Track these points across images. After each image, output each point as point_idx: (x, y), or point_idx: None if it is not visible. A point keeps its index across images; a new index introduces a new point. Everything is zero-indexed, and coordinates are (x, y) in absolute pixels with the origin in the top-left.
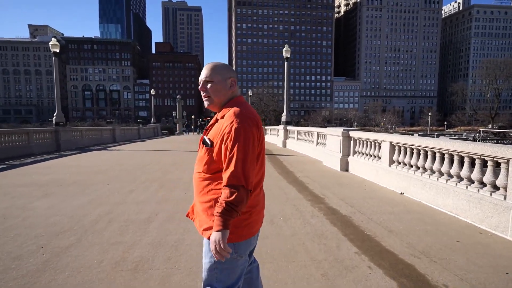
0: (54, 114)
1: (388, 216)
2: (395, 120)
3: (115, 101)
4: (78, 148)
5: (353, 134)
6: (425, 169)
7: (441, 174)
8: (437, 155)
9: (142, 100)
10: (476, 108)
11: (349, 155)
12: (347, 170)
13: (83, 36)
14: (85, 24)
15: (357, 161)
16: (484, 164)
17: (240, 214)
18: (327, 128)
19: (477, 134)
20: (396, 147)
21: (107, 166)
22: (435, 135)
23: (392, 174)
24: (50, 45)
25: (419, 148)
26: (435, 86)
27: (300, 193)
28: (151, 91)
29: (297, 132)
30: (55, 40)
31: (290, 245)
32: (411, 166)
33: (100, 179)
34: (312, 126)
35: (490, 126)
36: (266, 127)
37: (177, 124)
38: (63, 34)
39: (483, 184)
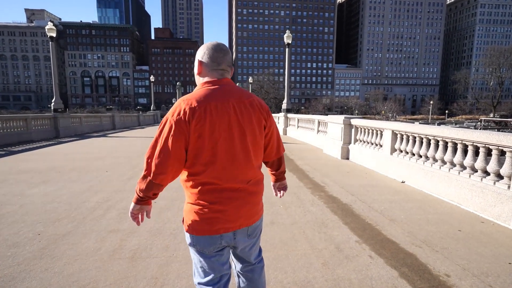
0: (53, 101)
1: (389, 205)
2: (396, 109)
3: (114, 88)
4: (77, 134)
5: (355, 122)
6: (427, 158)
7: (444, 162)
8: (440, 143)
9: (142, 87)
10: (478, 97)
11: (350, 143)
12: (348, 158)
13: (81, 21)
14: (82, 8)
15: (358, 149)
16: (488, 153)
17: (144, 195)
18: (328, 115)
19: (479, 123)
20: (398, 135)
21: (106, 153)
22: (436, 124)
23: (393, 162)
24: (46, 29)
25: (422, 136)
26: (438, 74)
27: (300, 181)
28: (151, 77)
29: (298, 119)
30: (52, 24)
31: (290, 233)
32: (413, 154)
33: (99, 165)
34: (313, 114)
35: (491, 115)
36: None
37: None
38: (60, 19)
39: (486, 173)
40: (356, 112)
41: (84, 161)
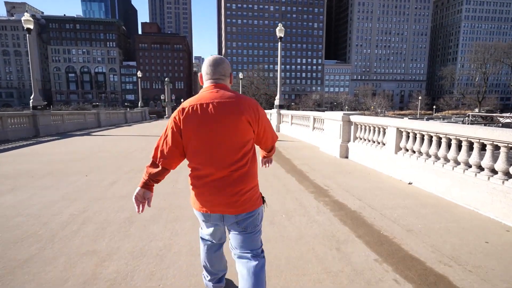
0: (31, 97)
1: (402, 211)
2: (385, 104)
3: (101, 84)
4: (59, 133)
5: (354, 118)
6: (437, 157)
7: (457, 163)
8: (453, 142)
9: (129, 83)
10: (464, 92)
11: (349, 141)
12: (347, 157)
13: (65, 14)
14: (66, 2)
15: (358, 148)
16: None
17: (151, 179)
18: (325, 112)
19: (466, 118)
20: (404, 133)
21: (88, 154)
22: (425, 119)
23: (398, 162)
24: (22, 21)
25: (432, 134)
26: (425, 70)
27: (301, 184)
28: (138, 73)
29: (292, 116)
30: (28, 15)
31: (297, 251)
32: (421, 153)
33: (79, 168)
34: (303, 110)
35: (477, 110)
36: None
37: (166, 108)
38: (42, 13)
39: (508, 175)
40: (346, 107)
41: (62, 163)
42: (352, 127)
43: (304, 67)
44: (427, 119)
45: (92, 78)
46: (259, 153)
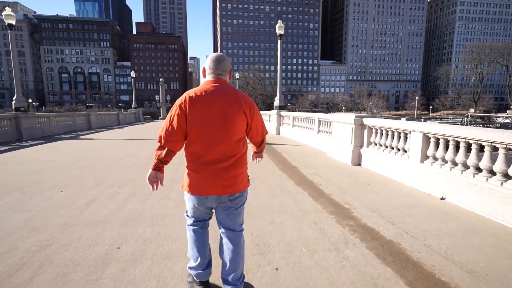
0: (14, 98)
1: (450, 241)
2: (382, 104)
3: (94, 85)
4: (45, 136)
5: (368, 121)
6: (478, 169)
7: (508, 177)
8: (501, 151)
9: (124, 83)
10: (460, 92)
11: (361, 146)
12: (359, 164)
13: (57, 14)
14: (59, 1)
15: (373, 154)
16: None
17: (160, 161)
18: (334, 114)
19: (465, 119)
20: (432, 139)
21: (70, 161)
22: (422, 120)
23: (426, 173)
24: (3, 16)
25: (471, 141)
26: (420, 70)
27: (316, 201)
28: (131, 73)
29: (293, 117)
30: (9, 10)
31: None
32: (455, 163)
33: (56, 181)
34: (300, 111)
35: (472, 110)
36: None
37: (161, 109)
38: (35, 12)
39: None
40: (343, 108)
41: (38, 173)
42: (366, 131)
43: (300, 67)
44: (425, 120)
45: (85, 79)
46: (251, 147)
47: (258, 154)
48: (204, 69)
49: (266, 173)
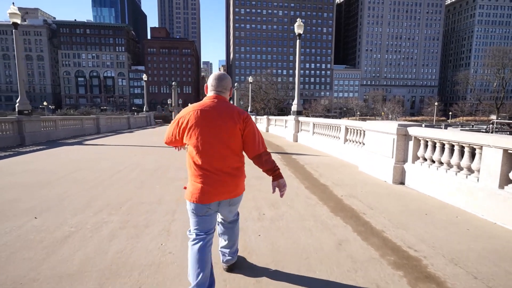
0: (17, 101)
1: None
2: (397, 110)
3: (109, 88)
4: (49, 141)
5: (414, 131)
6: None
7: None
8: None
9: (138, 87)
10: (480, 98)
11: (405, 161)
12: (402, 183)
13: (75, 20)
14: (77, 7)
15: (422, 172)
16: None
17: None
18: (370, 122)
19: (490, 126)
20: None
21: (63, 173)
22: (442, 126)
23: (509, 201)
24: (8, 14)
25: None
26: (437, 75)
27: (367, 243)
28: (143, 76)
29: (314, 124)
30: (15, 8)
31: None
32: None
33: (35, 201)
34: (313, 116)
35: (493, 117)
36: (270, 117)
37: (173, 113)
38: (54, 18)
39: None
40: (358, 113)
41: (19, 189)
42: (411, 142)
43: (313, 72)
44: (445, 127)
45: (100, 82)
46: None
47: (277, 182)
48: (206, 86)
49: (291, 195)
